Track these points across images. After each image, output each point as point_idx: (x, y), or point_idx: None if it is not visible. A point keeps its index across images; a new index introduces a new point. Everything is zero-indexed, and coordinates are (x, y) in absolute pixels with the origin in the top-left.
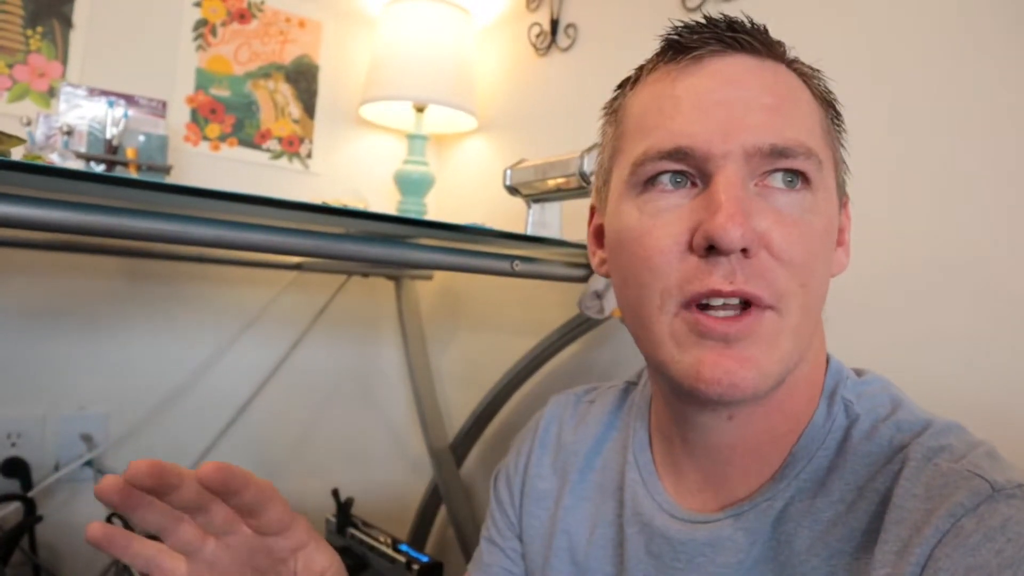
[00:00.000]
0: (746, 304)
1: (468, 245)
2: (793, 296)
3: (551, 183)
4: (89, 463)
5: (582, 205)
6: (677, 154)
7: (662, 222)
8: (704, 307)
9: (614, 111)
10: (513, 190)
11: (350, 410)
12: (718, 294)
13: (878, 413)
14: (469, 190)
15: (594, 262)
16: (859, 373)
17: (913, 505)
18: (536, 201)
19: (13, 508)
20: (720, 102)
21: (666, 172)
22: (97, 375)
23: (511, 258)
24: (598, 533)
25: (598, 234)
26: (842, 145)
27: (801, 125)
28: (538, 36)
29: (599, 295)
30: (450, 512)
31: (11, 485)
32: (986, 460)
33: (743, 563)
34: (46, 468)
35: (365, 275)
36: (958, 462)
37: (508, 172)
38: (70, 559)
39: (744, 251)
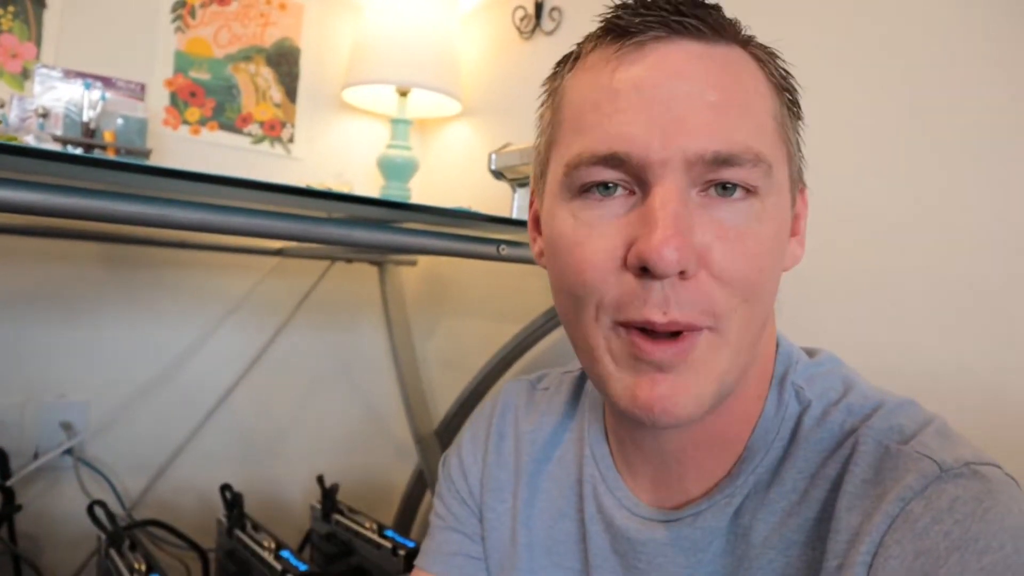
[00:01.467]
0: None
1: (454, 229)
2: (733, 313)
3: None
4: (69, 451)
5: None
6: (612, 160)
7: (596, 233)
8: (643, 330)
9: (552, 92)
10: (498, 174)
11: (334, 396)
12: (652, 325)
13: (829, 397)
14: (453, 175)
15: (534, 250)
16: (811, 353)
17: (864, 491)
18: (521, 186)
19: None
20: (661, 100)
21: (600, 181)
22: (77, 362)
23: (497, 242)
24: (560, 528)
25: (537, 222)
26: (798, 133)
27: (750, 124)
28: (522, 19)
29: None
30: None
31: None
32: (935, 439)
33: (702, 561)
34: (25, 456)
35: (348, 261)
36: (907, 443)
37: (493, 156)
38: (50, 548)
39: (681, 273)
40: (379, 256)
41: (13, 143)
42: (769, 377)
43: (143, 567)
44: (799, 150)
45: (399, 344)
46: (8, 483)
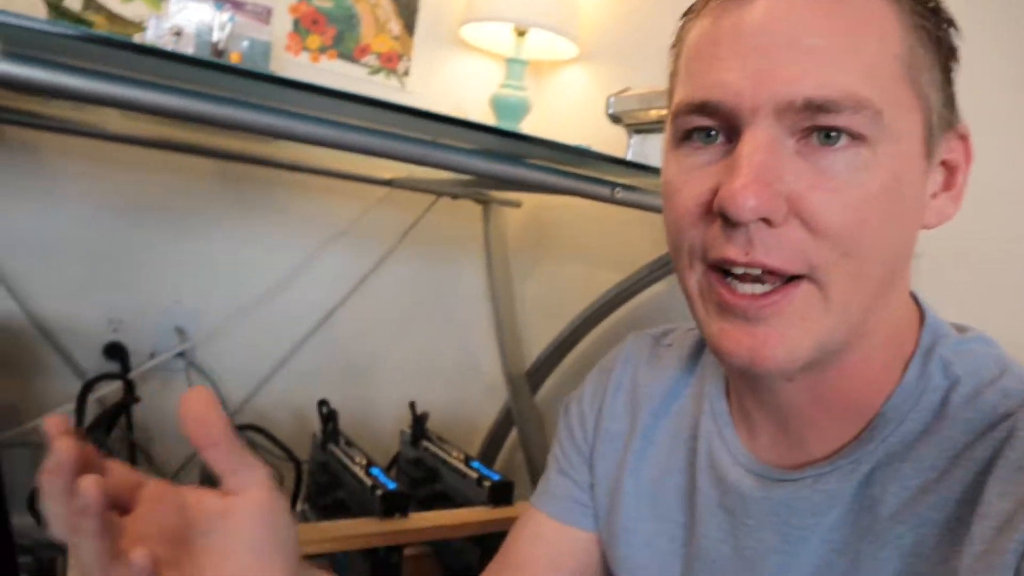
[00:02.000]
0: (772, 273)
1: (570, 168)
2: (833, 267)
3: (654, 113)
4: (181, 354)
5: None
6: (706, 108)
7: (691, 180)
8: (728, 273)
9: (675, 41)
10: (615, 119)
11: (430, 328)
12: (733, 263)
13: (982, 376)
14: (566, 119)
15: None
16: (960, 330)
17: (1019, 478)
18: (638, 132)
19: (115, 387)
20: (757, 46)
21: (699, 128)
22: (194, 272)
23: (612, 184)
24: (668, 481)
25: None
26: (946, 73)
27: (856, 68)
28: None
29: None
30: (522, 437)
31: (112, 368)
32: None
33: (818, 525)
34: (142, 355)
35: (454, 197)
36: None
37: (611, 100)
38: (160, 441)
39: (767, 221)
40: (484, 195)
41: (160, 47)
42: (910, 346)
43: None
44: (946, 94)
45: (498, 283)
46: (129, 376)
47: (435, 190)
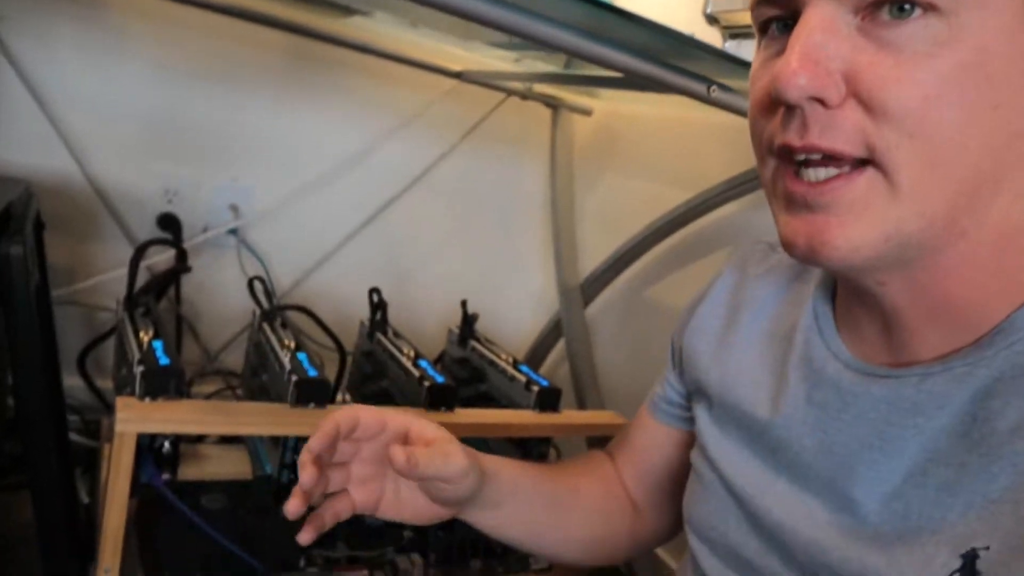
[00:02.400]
0: (834, 159)
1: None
2: (897, 150)
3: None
4: (233, 231)
5: None
6: None
7: (764, 72)
8: (798, 162)
9: None
10: (712, 19)
11: (485, 230)
12: (792, 149)
13: None
14: (656, 14)
15: None
16: None
17: None
18: (733, 37)
19: (166, 257)
20: None
21: (772, 19)
22: (251, 149)
23: (709, 82)
24: (756, 377)
25: None
26: None
27: None
28: None
29: None
30: (569, 349)
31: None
32: None
33: (923, 428)
34: (195, 229)
35: (524, 97)
36: None
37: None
38: (206, 318)
39: (822, 102)
40: (555, 99)
41: None
42: None
43: (292, 344)
44: None
45: (560, 191)
46: (182, 245)
47: (505, 88)
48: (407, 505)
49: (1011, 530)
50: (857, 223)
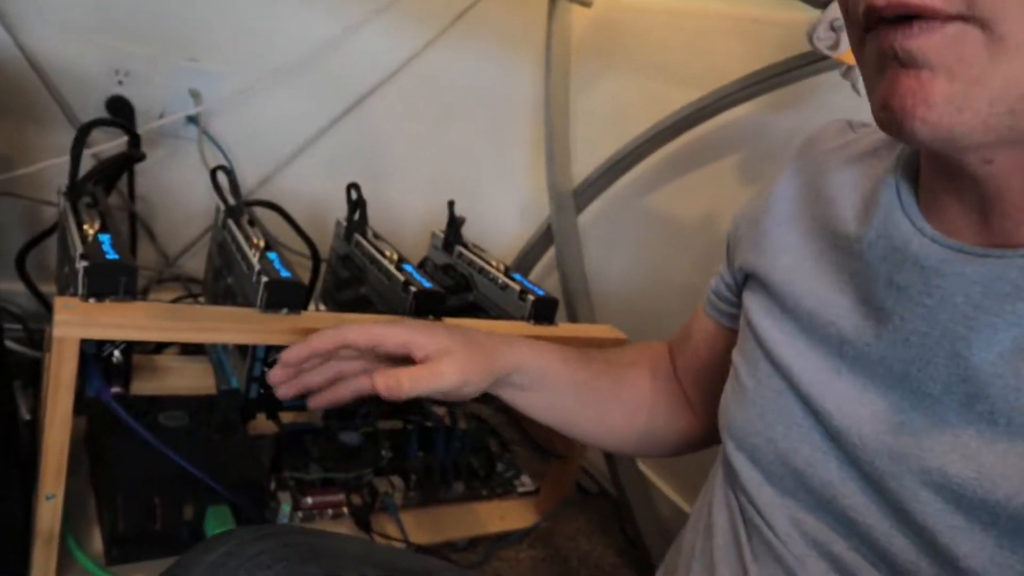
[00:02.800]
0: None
1: None
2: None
3: None
4: (193, 119)
5: None
6: None
7: None
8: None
9: None
10: None
11: (471, 130)
12: (876, 9)
13: None
14: None
15: None
16: None
17: None
18: None
19: (117, 144)
20: None
21: None
22: (214, 28)
23: None
24: (825, 259)
25: None
26: None
27: None
28: None
29: (836, 27)
30: (559, 257)
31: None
32: None
33: (1018, 316)
34: (150, 116)
35: None
36: None
37: None
38: (164, 217)
39: None
40: None
41: None
42: None
43: (262, 243)
44: None
45: (555, 88)
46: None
47: None
48: (475, 366)
49: None
50: (957, 82)
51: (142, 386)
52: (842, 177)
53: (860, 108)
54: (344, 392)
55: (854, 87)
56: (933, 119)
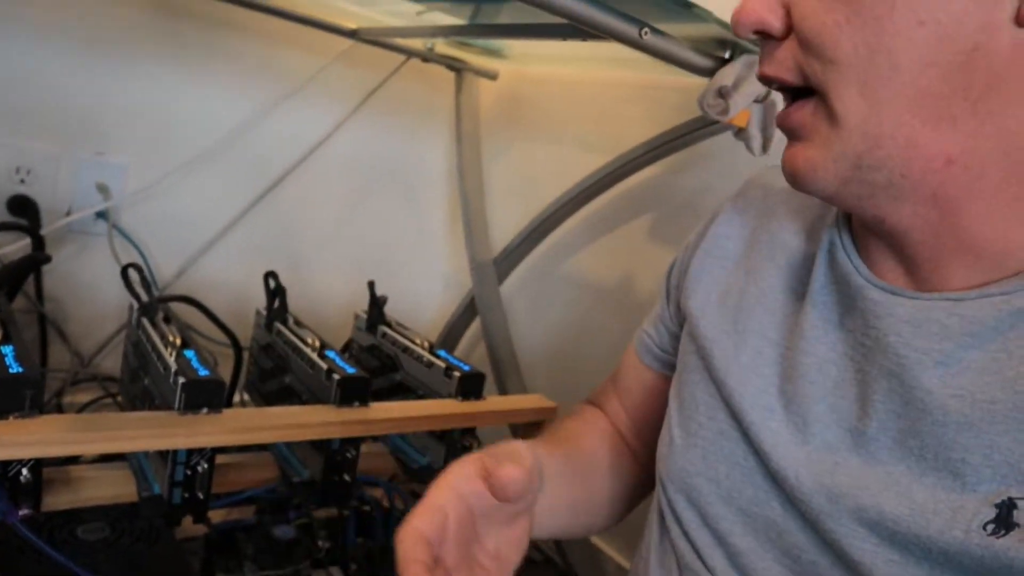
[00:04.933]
0: (786, 89)
1: None
2: (825, 77)
3: None
4: (103, 215)
5: None
6: None
7: None
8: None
9: None
10: None
11: (389, 207)
12: (760, 78)
13: None
14: None
15: None
16: None
17: None
18: None
19: (21, 245)
20: None
21: None
22: (121, 120)
23: (641, 23)
24: (770, 297)
25: None
26: None
27: None
28: None
29: (723, 93)
30: (485, 328)
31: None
32: None
33: (951, 355)
34: (56, 213)
35: (425, 60)
36: None
37: None
38: (75, 317)
39: (771, 35)
40: (459, 62)
41: None
42: None
43: (178, 341)
44: None
45: (467, 161)
46: (39, 233)
47: (405, 49)
48: (508, 555)
49: None
50: (811, 146)
51: (56, 500)
52: (790, 224)
53: (756, 165)
54: None
55: (748, 147)
56: (802, 179)
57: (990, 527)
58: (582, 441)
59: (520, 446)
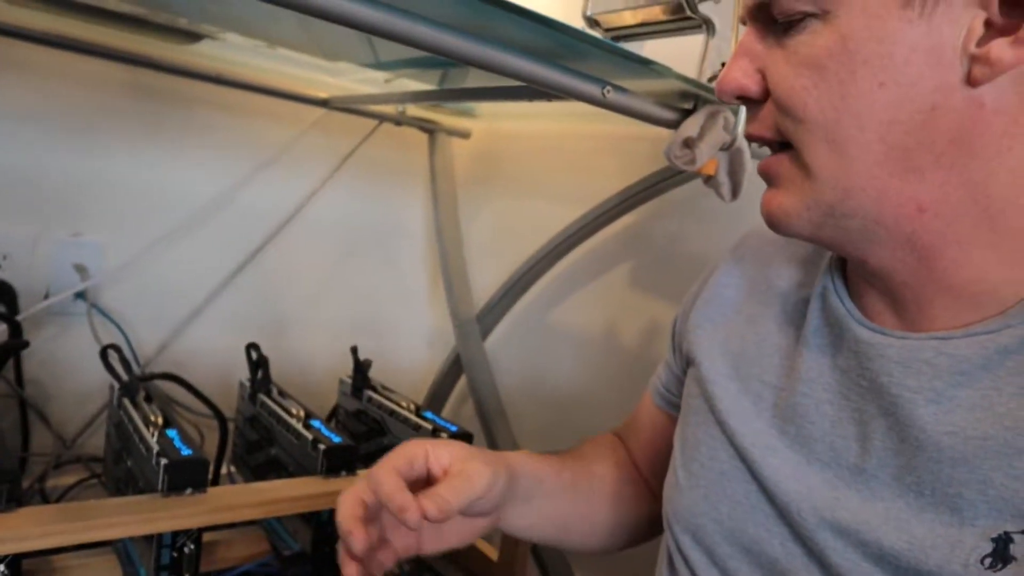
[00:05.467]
0: (769, 144)
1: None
2: (796, 135)
3: (629, 16)
4: (82, 295)
5: (678, 45)
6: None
7: None
8: None
9: None
10: (592, 22)
11: (369, 269)
12: (747, 138)
13: None
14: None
15: None
16: None
17: None
18: (616, 40)
19: None
20: None
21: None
22: (96, 199)
23: (603, 83)
24: (768, 342)
25: None
26: None
27: None
28: None
29: (689, 144)
30: (471, 385)
31: None
32: None
33: (942, 393)
34: (35, 296)
35: (397, 123)
36: None
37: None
38: (58, 398)
39: (752, 100)
40: (431, 123)
41: None
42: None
43: (160, 420)
44: None
45: (444, 220)
46: (16, 318)
47: (377, 114)
48: (449, 533)
49: None
50: (786, 194)
51: None
52: (786, 271)
53: (728, 210)
54: (388, 558)
55: (717, 193)
56: (776, 222)
57: (987, 561)
58: (594, 466)
59: (477, 472)
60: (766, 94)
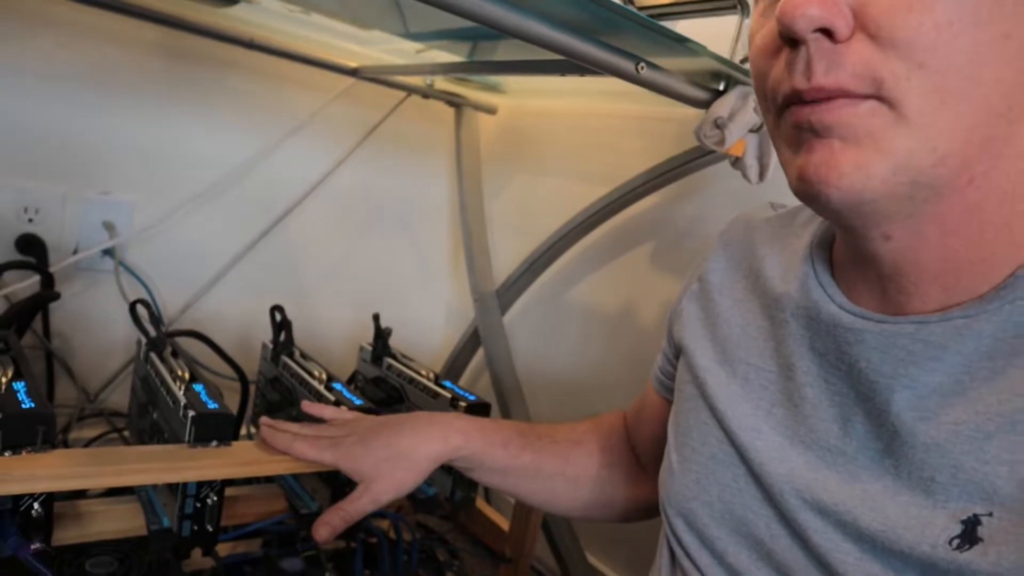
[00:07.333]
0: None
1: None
2: (906, 81)
3: None
4: (110, 252)
5: (711, 26)
6: None
7: (764, 20)
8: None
9: None
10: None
11: (391, 240)
12: (799, 94)
13: None
14: None
15: None
16: None
17: None
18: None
19: (29, 283)
20: None
21: None
22: (126, 159)
23: (637, 59)
24: (753, 325)
25: None
26: None
27: None
28: None
29: (720, 124)
30: (488, 358)
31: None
32: None
33: (916, 379)
34: (64, 252)
35: (425, 96)
36: None
37: None
38: (81, 354)
39: (830, 35)
40: (458, 97)
41: None
42: None
43: (186, 375)
44: None
45: (468, 194)
46: (47, 270)
47: (405, 86)
48: (404, 480)
49: (1012, 495)
50: (863, 152)
51: (66, 535)
52: (768, 251)
53: (752, 193)
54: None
55: (744, 175)
56: (845, 185)
57: (955, 542)
58: (562, 448)
59: (382, 491)
60: (852, 32)
